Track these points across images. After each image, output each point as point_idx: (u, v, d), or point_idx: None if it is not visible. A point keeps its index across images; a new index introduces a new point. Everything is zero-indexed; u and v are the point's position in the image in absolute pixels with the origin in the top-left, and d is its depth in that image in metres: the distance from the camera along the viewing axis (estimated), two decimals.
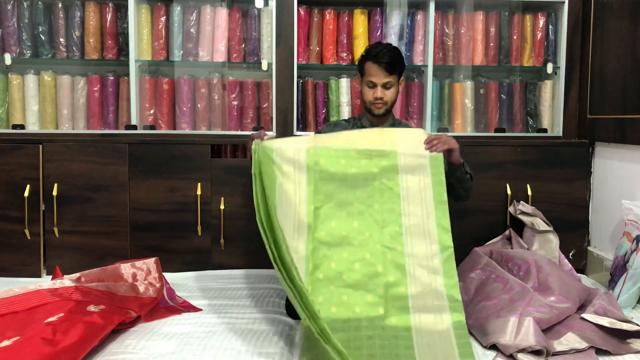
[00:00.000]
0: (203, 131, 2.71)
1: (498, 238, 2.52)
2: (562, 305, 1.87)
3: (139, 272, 2.14)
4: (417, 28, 2.75)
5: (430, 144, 1.92)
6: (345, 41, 2.74)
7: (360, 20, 2.73)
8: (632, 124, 2.34)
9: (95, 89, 2.69)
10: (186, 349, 1.73)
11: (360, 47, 2.69)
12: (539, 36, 2.79)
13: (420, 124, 2.76)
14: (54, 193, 2.49)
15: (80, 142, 2.55)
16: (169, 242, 2.57)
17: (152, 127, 2.68)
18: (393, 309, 1.73)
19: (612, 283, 2.23)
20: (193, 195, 2.55)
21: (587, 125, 2.68)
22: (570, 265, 2.35)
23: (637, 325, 1.80)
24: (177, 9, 2.68)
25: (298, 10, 2.66)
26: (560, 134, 2.75)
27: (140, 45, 2.67)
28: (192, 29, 2.69)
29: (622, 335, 1.79)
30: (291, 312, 1.98)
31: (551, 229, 2.41)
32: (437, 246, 1.79)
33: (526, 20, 2.79)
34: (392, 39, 2.72)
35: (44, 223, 2.53)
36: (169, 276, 2.34)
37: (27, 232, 2.50)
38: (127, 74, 2.65)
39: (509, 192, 2.59)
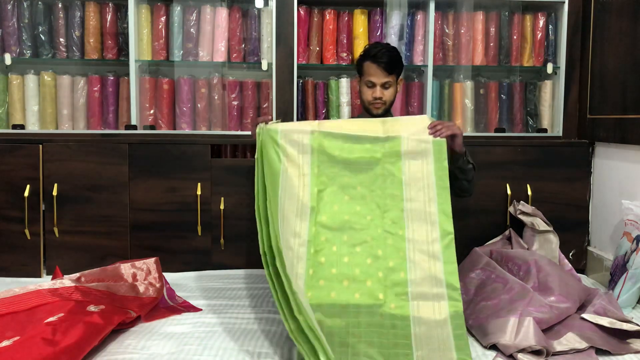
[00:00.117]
0: (203, 131, 2.71)
1: (498, 238, 2.52)
2: (562, 305, 1.87)
3: (139, 272, 2.14)
4: (417, 28, 2.75)
5: (434, 129, 1.91)
6: (345, 41, 2.75)
7: (360, 20, 2.73)
8: (632, 124, 2.34)
9: (95, 89, 2.69)
10: (186, 349, 1.73)
11: (360, 47, 2.69)
12: (539, 36, 2.79)
13: None
14: (54, 193, 2.49)
15: (80, 142, 2.55)
16: (169, 242, 2.57)
17: (152, 127, 2.68)
18: (392, 295, 1.73)
19: (612, 283, 2.23)
20: (193, 195, 2.55)
21: (587, 125, 2.68)
22: (570, 265, 2.35)
23: (637, 325, 1.80)
24: (177, 9, 2.68)
25: (298, 10, 2.66)
26: (560, 134, 2.75)
27: (140, 45, 2.67)
28: (192, 29, 2.69)
29: (622, 335, 1.79)
30: None
31: (551, 229, 2.41)
32: (438, 232, 1.80)
33: (526, 20, 2.79)
34: (392, 39, 2.72)
35: (44, 223, 2.53)
36: (169, 276, 2.34)
37: (27, 232, 2.50)
38: (127, 74, 2.65)
39: (509, 192, 2.59)
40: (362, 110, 2.23)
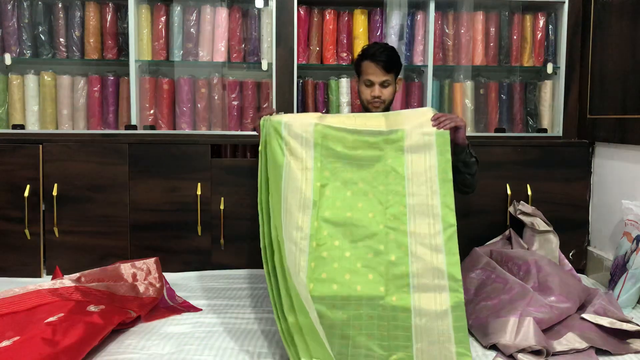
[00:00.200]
0: (203, 131, 2.71)
1: (498, 238, 2.52)
2: (562, 305, 1.87)
3: (139, 272, 2.14)
4: (417, 28, 2.75)
5: (437, 121, 1.90)
6: (345, 41, 2.75)
7: (360, 20, 2.73)
8: (632, 124, 2.34)
9: (95, 89, 2.69)
10: (186, 349, 1.73)
11: (360, 47, 2.67)
12: (539, 36, 2.79)
13: None
14: (54, 193, 2.49)
15: (80, 142, 2.55)
16: (169, 242, 2.57)
17: (152, 127, 2.68)
18: (394, 287, 1.73)
19: (612, 283, 2.23)
20: (193, 195, 2.55)
21: (587, 125, 2.68)
22: (570, 265, 2.34)
23: (637, 325, 1.80)
24: (177, 9, 2.68)
25: (298, 10, 2.66)
26: (560, 134, 2.75)
27: (140, 45, 2.67)
28: (192, 29, 2.69)
29: (622, 335, 1.79)
30: None
31: (551, 229, 2.41)
32: (440, 224, 1.80)
33: (526, 20, 2.79)
34: (392, 39, 2.72)
35: (44, 223, 2.53)
36: (169, 276, 2.34)
37: (27, 232, 2.50)
38: (127, 74, 2.65)
39: (509, 192, 2.59)
40: (362, 110, 2.23)
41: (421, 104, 2.78)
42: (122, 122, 2.70)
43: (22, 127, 2.64)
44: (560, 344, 1.73)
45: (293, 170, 1.85)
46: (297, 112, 2.70)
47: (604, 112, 2.55)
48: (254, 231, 2.53)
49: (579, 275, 2.38)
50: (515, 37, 2.79)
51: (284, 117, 1.92)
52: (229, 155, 2.87)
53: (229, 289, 2.34)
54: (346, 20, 2.74)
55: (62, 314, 1.72)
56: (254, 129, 2.68)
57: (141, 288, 2.07)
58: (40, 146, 2.52)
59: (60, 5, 2.65)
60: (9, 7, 2.62)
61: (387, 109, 2.17)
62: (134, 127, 2.64)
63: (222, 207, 2.55)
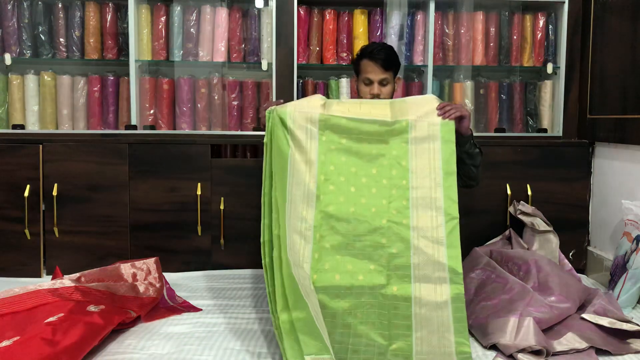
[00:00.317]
0: (203, 131, 2.71)
1: (498, 238, 2.52)
2: (562, 305, 1.87)
3: (139, 272, 2.14)
4: (417, 28, 2.75)
5: (443, 110, 1.89)
6: (345, 41, 2.75)
7: (360, 20, 2.73)
8: (632, 124, 2.34)
9: (95, 89, 2.69)
10: (186, 349, 1.73)
11: (360, 47, 2.68)
12: (539, 36, 2.79)
13: None
14: (54, 193, 2.49)
15: (80, 142, 2.55)
16: (169, 242, 2.57)
17: (152, 127, 2.68)
18: (395, 277, 1.76)
19: (612, 283, 2.23)
20: (193, 195, 2.55)
21: (587, 125, 2.68)
22: (570, 265, 2.35)
23: (637, 325, 1.80)
24: (177, 9, 2.68)
25: (298, 10, 2.66)
26: (560, 134, 2.75)
27: (140, 45, 2.67)
28: (192, 29, 2.69)
29: (622, 335, 1.79)
30: None
31: (551, 229, 2.41)
32: (442, 217, 1.81)
33: (526, 20, 2.79)
34: (392, 39, 2.72)
35: (44, 223, 2.53)
36: (169, 276, 2.34)
37: (27, 232, 2.50)
38: (127, 74, 2.65)
39: (509, 192, 2.59)
40: None
41: None
42: (122, 122, 2.70)
43: (22, 127, 2.64)
44: (560, 344, 1.73)
45: (298, 162, 1.86)
46: None
47: (604, 112, 2.55)
48: (253, 231, 2.53)
49: (579, 275, 2.39)
50: (515, 37, 2.79)
51: (289, 107, 1.91)
52: (229, 155, 2.87)
53: (229, 289, 2.34)
54: (346, 20, 2.74)
55: (62, 314, 1.72)
56: (261, 127, 2.68)
57: (141, 288, 2.07)
58: (40, 146, 2.52)
59: (60, 5, 2.65)
60: (9, 7, 2.62)
61: None
62: (134, 127, 2.64)
63: (222, 207, 2.55)
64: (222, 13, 2.68)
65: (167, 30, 2.70)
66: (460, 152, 1.96)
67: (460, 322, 1.69)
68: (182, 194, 2.56)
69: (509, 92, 2.84)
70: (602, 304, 1.89)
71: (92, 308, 1.80)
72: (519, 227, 2.52)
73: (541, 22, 2.78)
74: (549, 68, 2.76)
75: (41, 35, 2.65)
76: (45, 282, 1.99)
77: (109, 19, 2.66)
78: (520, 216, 2.50)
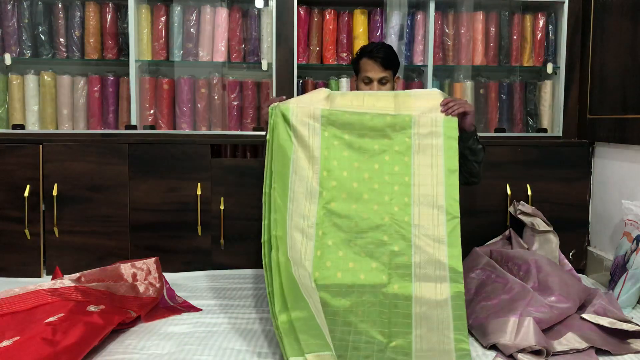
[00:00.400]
0: (203, 131, 2.71)
1: (498, 238, 2.52)
2: (562, 305, 1.87)
3: (139, 272, 2.14)
4: (417, 28, 2.75)
5: (446, 107, 1.89)
6: (345, 41, 2.75)
7: (360, 20, 2.73)
8: (632, 124, 2.34)
9: (95, 89, 2.69)
10: (186, 349, 1.73)
11: (360, 47, 2.69)
12: (539, 36, 2.79)
13: None
14: (54, 193, 2.49)
15: (80, 142, 2.55)
16: (169, 242, 2.57)
17: (152, 127, 2.68)
18: (396, 276, 1.77)
19: (612, 283, 2.23)
20: (193, 195, 2.55)
21: (587, 125, 2.68)
22: (570, 265, 2.35)
23: (637, 325, 1.80)
24: (177, 9, 2.68)
25: (298, 10, 2.66)
26: (560, 134, 2.75)
27: (140, 45, 2.67)
28: (192, 29, 2.69)
29: (622, 335, 1.79)
30: None
31: (551, 229, 2.41)
32: (444, 215, 1.81)
33: (526, 20, 2.79)
34: (392, 39, 2.72)
35: (44, 223, 2.53)
36: (169, 276, 2.34)
37: (27, 232, 2.50)
38: (127, 74, 2.65)
39: (509, 192, 2.59)
40: None
41: None
42: (122, 122, 2.70)
43: (22, 127, 2.64)
44: (560, 344, 1.73)
45: (300, 159, 1.86)
46: None
47: (604, 112, 2.55)
48: (253, 231, 2.54)
49: (579, 275, 2.39)
50: (515, 37, 2.79)
51: (291, 103, 1.91)
52: (229, 155, 2.87)
53: (229, 289, 2.34)
54: (346, 20, 2.74)
55: (62, 314, 1.72)
56: (262, 127, 2.68)
57: (141, 288, 2.07)
58: (40, 146, 2.52)
59: (60, 5, 2.65)
60: (9, 7, 2.62)
61: None
62: (134, 127, 2.64)
63: (222, 207, 2.55)
64: (222, 13, 2.68)
65: (167, 30, 2.70)
66: (463, 148, 1.96)
67: (459, 319, 1.70)
68: (182, 194, 2.56)
69: (509, 92, 2.84)
70: (602, 304, 1.89)
71: (92, 308, 1.80)
72: (519, 227, 2.52)
73: (541, 22, 2.78)
74: (549, 68, 2.76)
75: (41, 35, 2.65)
76: (45, 282, 1.99)
77: (109, 19, 2.66)
78: (520, 216, 2.50)
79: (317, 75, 2.85)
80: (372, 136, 1.90)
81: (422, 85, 2.78)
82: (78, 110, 2.70)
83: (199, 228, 2.56)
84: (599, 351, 1.73)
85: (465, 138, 1.99)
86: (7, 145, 2.52)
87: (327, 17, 2.73)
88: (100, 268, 2.15)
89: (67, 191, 2.52)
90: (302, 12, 2.69)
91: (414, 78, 2.83)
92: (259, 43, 2.73)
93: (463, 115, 1.92)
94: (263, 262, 1.78)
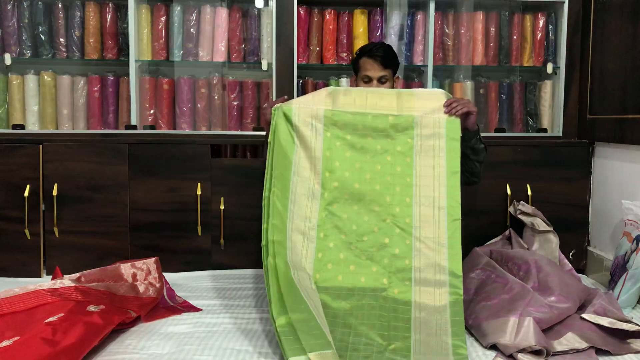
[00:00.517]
0: (203, 131, 2.71)
1: (498, 238, 2.52)
2: (562, 305, 1.87)
3: (139, 272, 2.14)
4: (417, 28, 2.75)
5: (450, 107, 1.90)
6: (345, 41, 2.75)
7: (360, 20, 2.73)
8: (632, 124, 2.34)
9: (95, 89, 2.69)
10: (186, 349, 1.73)
11: (360, 47, 2.69)
12: (539, 36, 2.79)
13: None
14: (54, 193, 2.49)
15: (80, 142, 2.55)
16: (169, 242, 2.57)
17: (152, 127, 2.68)
18: (397, 280, 1.78)
19: (612, 283, 2.23)
20: (193, 195, 2.55)
21: (587, 125, 2.68)
22: (570, 265, 2.35)
23: (637, 325, 1.80)
24: (177, 9, 2.68)
25: (298, 10, 2.66)
26: (560, 134, 2.75)
27: (140, 45, 2.67)
28: (192, 29, 2.69)
29: (622, 335, 1.79)
30: None
31: (551, 229, 2.41)
32: (445, 217, 1.81)
33: (526, 20, 2.79)
34: (392, 39, 2.72)
35: (44, 223, 2.53)
36: (169, 276, 2.34)
37: (27, 232, 2.50)
38: (127, 74, 2.65)
39: (509, 192, 2.59)
40: None
41: None
42: (122, 122, 2.70)
43: (22, 127, 2.64)
44: (560, 344, 1.73)
45: (302, 159, 1.86)
46: None
47: (604, 112, 2.55)
48: (253, 231, 2.54)
49: (579, 275, 2.39)
50: (515, 37, 2.79)
51: (294, 104, 1.91)
52: (229, 155, 2.87)
53: (229, 289, 2.34)
54: (346, 20, 2.74)
55: (62, 314, 1.72)
56: (262, 127, 2.68)
57: (141, 288, 2.07)
58: (40, 146, 2.52)
59: (60, 5, 2.65)
60: (9, 7, 2.62)
61: None
62: (134, 127, 2.64)
63: (222, 207, 2.55)
64: (222, 13, 2.68)
65: (167, 30, 2.70)
66: (465, 148, 1.97)
67: (457, 325, 1.70)
68: (182, 194, 2.56)
69: (509, 92, 2.84)
70: (602, 304, 1.89)
71: (92, 308, 1.80)
72: (519, 227, 2.52)
73: (541, 22, 2.78)
74: (549, 68, 2.76)
75: (41, 35, 2.65)
76: (45, 282, 1.99)
77: (109, 19, 2.66)
78: (520, 216, 2.50)
79: (317, 75, 2.85)
80: (374, 137, 1.90)
81: (422, 85, 2.78)
82: (78, 110, 2.70)
83: (199, 228, 2.56)
84: (599, 351, 1.73)
85: (468, 137, 1.99)
86: (7, 145, 2.52)
87: (327, 17, 2.73)
88: (100, 268, 2.15)
89: (67, 191, 2.52)
90: (302, 12, 2.69)
91: (414, 78, 2.83)
92: (259, 43, 2.73)
93: (466, 115, 1.93)
94: (263, 265, 1.79)
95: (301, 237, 1.78)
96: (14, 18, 2.63)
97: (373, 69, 2.10)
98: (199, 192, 2.54)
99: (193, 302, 2.15)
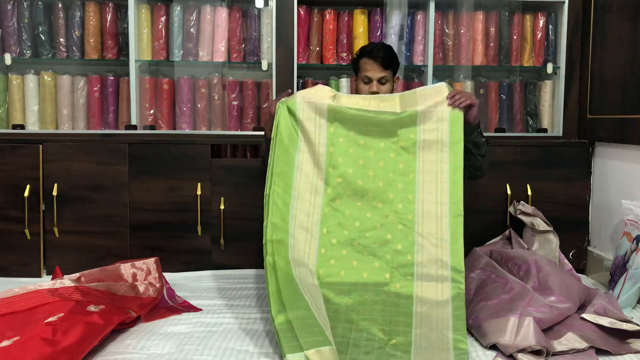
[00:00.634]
0: (203, 131, 2.71)
1: (498, 238, 2.52)
2: (562, 305, 1.87)
3: (139, 272, 2.14)
4: (417, 28, 2.75)
5: (453, 99, 1.90)
6: (345, 41, 2.75)
7: (360, 20, 2.73)
8: (632, 124, 2.34)
9: (95, 89, 2.69)
10: (186, 349, 1.73)
11: (360, 47, 2.69)
12: (539, 36, 2.79)
13: None
14: (54, 193, 2.49)
15: (80, 142, 2.55)
16: (169, 242, 2.57)
17: (152, 127, 2.68)
18: (399, 275, 1.78)
19: (612, 283, 2.23)
20: (193, 195, 2.55)
21: (587, 125, 2.68)
22: (570, 265, 2.35)
23: (637, 325, 1.80)
24: (177, 9, 2.68)
25: (298, 10, 2.66)
26: (560, 134, 2.75)
27: (140, 45, 2.67)
28: (192, 29, 2.69)
29: (622, 335, 1.79)
30: None
31: (551, 229, 2.41)
32: (447, 213, 1.82)
33: (526, 20, 2.79)
34: (392, 39, 2.72)
35: (44, 223, 2.53)
36: (169, 276, 2.34)
37: (27, 232, 2.50)
38: (127, 74, 2.65)
39: (509, 192, 2.59)
40: None
41: None
42: (122, 122, 2.70)
43: (22, 127, 2.64)
44: (560, 344, 1.73)
45: (305, 154, 1.86)
46: None
47: (604, 112, 2.55)
48: (254, 231, 2.54)
49: (579, 275, 2.39)
50: (515, 37, 2.79)
51: (298, 97, 1.91)
52: (229, 155, 2.87)
53: (229, 289, 2.34)
54: (346, 20, 2.74)
55: (62, 314, 1.72)
56: (262, 128, 2.68)
57: (141, 288, 2.07)
58: (40, 146, 2.52)
59: (60, 5, 2.65)
60: (9, 7, 2.62)
61: None
62: (134, 127, 2.64)
63: (222, 207, 2.55)
64: (222, 13, 2.68)
65: (167, 30, 2.70)
66: (466, 142, 1.96)
67: (459, 320, 1.71)
68: (182, 194, 2.56)
69: (509, 92, 2.84)
70: (602, 304, 1.89)
71: (92, 308, 1.80)
72: (519, 227, 2.52)
73: (541, 22, 2.78)
74: (549, 68, 2.76)
75: (41, 35, 2.65)
76: (45, 282, 1.99)
77: (109, 19, 2.66)
78: (520, 216, 2.49)
79: (317, 75, 2.85)
80: (377, 133, 1.90)
81: (423, 85, 2.77)
82: (78, 110, 2.70)
83: (199, 228, 2.56)
84: (599, 351, 1.73)
85: (470, 131, 1.99)
86: (7, 145, 2.52)
87: (327, 17, 2.73)
88: (100, 268, 2.15)
89: (67, 191, 2.52)
90: (302, 12, 2.69)
91: (414, 78, 2.83)
92: (259, 43, 2.73)
93: (468, 108, 1.93)
94: (265, 263, 1.79)
95: (304, 233, 1.79)
96: (14, 18, 2.63)
97: (373, 70, 2.10)
98: (199, 192, 2.54)
99: (193, 302, 2.15)
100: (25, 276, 2.51)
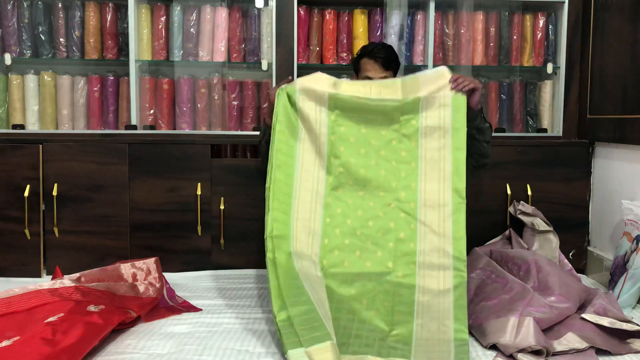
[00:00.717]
0: (203, 131, 2.71)
1: (498, 238, 2.52)
2: (562, 305, 1.87)
3: (139, 272, 2.14)
4: (417, 28, 2.75)
5: (456, 83, 1.88)
6: (345, 41, 2.75)
7: (360, 20, 2.73)
8: (632, 124, 2.34)
9: (95, 89, 2.69)
10: (186, 349, 1.73)
11: (360, 47, 2.69)
12: (539, 36, 2.79)
13: None
14: (54, 193, 2.49)
15: (80, 142, 2.55)
16: (169, 242, 2.57)
17: (152, 127, 2.68)
18: (401, 263, 1.78)
19: (612, 283, 2.23)
20: (193, 195, 2.55)
21: (587, 125, 2.68)
22: (570, 265, 2.35)
23: (637, 325, 1.80)
24: (177, 9, 2.68)
25: (298, 10, 2.66)
26: (560, 134, 2.75)
27: (140, 45, 2.67)
28: (192, 29, 2.69)
29: (622, 335, 1.79)
30: None
31: (551, 229, 2.41)
32: (450, 201, 1.81)
33: (526, 20, 2.79)
34: (392, 39, 2.72)
35: (44, 223, 2.53)
36: (169, 276, 2.34)
37: (27, 232, 2.50)
38: (127, 74, 2.65)
39: (509, 192, 2.59)
40: None
41: None
42: (122, 122, 2.70)
43: (22, 127, 2.64)
44: (560, 344, 1.73)
45: (306, 142, 1.86)
46: None
47: (604, 112, 2.55)
48: (254, 231, 2.54)
49: (579, 275, 2.39)
50: (515, 37, 2.79)
51: (297, 85, 1.90)
52: (229, 155, 2.87)
53: (229, 289, 2.34)
54: (346, 20, 2.74)
55: (62, 314, 1.72)
56: (263, 124, 2.68)
57: (141, 288, 2.07)
58: (40, 146, 2.52)
59: (60, 5, 2.65)
60: (9, 7, 2.62)
61: None
62: (134, 127, 2.64)
63: (222, 207, 2.55)
64: (222, 13, 2.68)
65: (167, 30, 2.70)
66: (470, 128, 1.94)
67: (460, 309, 1.71)
68: (182, 194, 2.56)
69: (509, 92, 2.84)
70: (602, 304, 1.89)
71: (92, 308, 1.80)
72: (519, 227, 2.52)
73: (541, 22, 2.78)
74: (549, 68, 2.76)
75: (41, 35, 2.65)
76: (45, 282, 1.99)
77: (109, 19, 2.66)
78: (520, 216, 2.49)
79: None
80: (379, 121, 1.89)
81: None
82: (78, 110, 2.70)
83: (199, 228, 2.56)
84: (599, 351, 1.73)
85: (473, 117, 1.97)
86: (7, 145, 2.52)
87: (327, 17, 2.73)
88: (100, 268, 2.15)
89: (67, 191, 2.52)
90: (302, 12, 2.69)
91: None
92: (259, 43, 2.73)
93: (471, 92, 1.91)
94: (267, 258, 1.78)
95: (307, 223, 1.78)
96: (14, 18, 2.63)
97: (374, 70, 2.09)
98: (199, 192, 2.54)
99: (193, 302, 2.15)
100: (25, 276, 2.51)
